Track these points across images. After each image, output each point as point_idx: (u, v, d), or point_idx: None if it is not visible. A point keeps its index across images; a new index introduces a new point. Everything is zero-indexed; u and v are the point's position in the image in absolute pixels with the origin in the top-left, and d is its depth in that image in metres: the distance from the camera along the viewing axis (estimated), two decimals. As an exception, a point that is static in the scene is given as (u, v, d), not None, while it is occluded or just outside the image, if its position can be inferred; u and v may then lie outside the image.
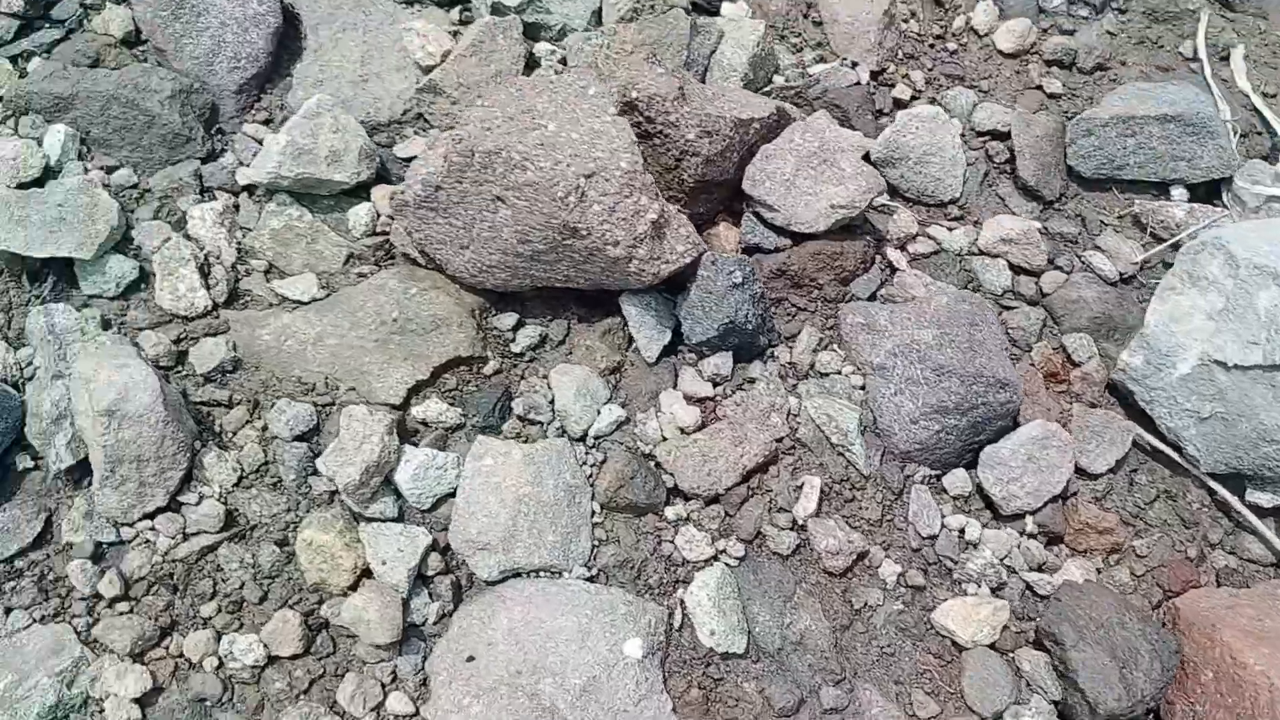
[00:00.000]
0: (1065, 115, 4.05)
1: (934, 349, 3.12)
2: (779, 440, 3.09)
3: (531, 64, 3.55)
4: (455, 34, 3.56)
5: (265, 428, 2.90)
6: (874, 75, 4.04)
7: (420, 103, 3.37)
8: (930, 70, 4.14)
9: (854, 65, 3.99)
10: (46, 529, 2.76)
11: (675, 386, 3.18)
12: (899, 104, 4.00)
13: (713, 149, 3.18)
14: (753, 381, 3.20)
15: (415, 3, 3.59)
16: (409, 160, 3.34)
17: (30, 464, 2.79)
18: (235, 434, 2.89)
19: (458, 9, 3.62)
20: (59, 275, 2.98)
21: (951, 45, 4.25)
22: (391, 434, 2.81)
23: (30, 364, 2.84)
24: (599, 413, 3.07)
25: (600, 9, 3.70)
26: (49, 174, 3.06)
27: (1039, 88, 4.16)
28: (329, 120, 3.10)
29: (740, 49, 3.62)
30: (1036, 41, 4.22)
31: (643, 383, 3.18)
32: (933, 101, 4.04)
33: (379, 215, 3.19)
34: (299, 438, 2.86)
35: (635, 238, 2.86)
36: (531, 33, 3.61)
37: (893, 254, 3.58)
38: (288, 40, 3.45)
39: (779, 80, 3.86)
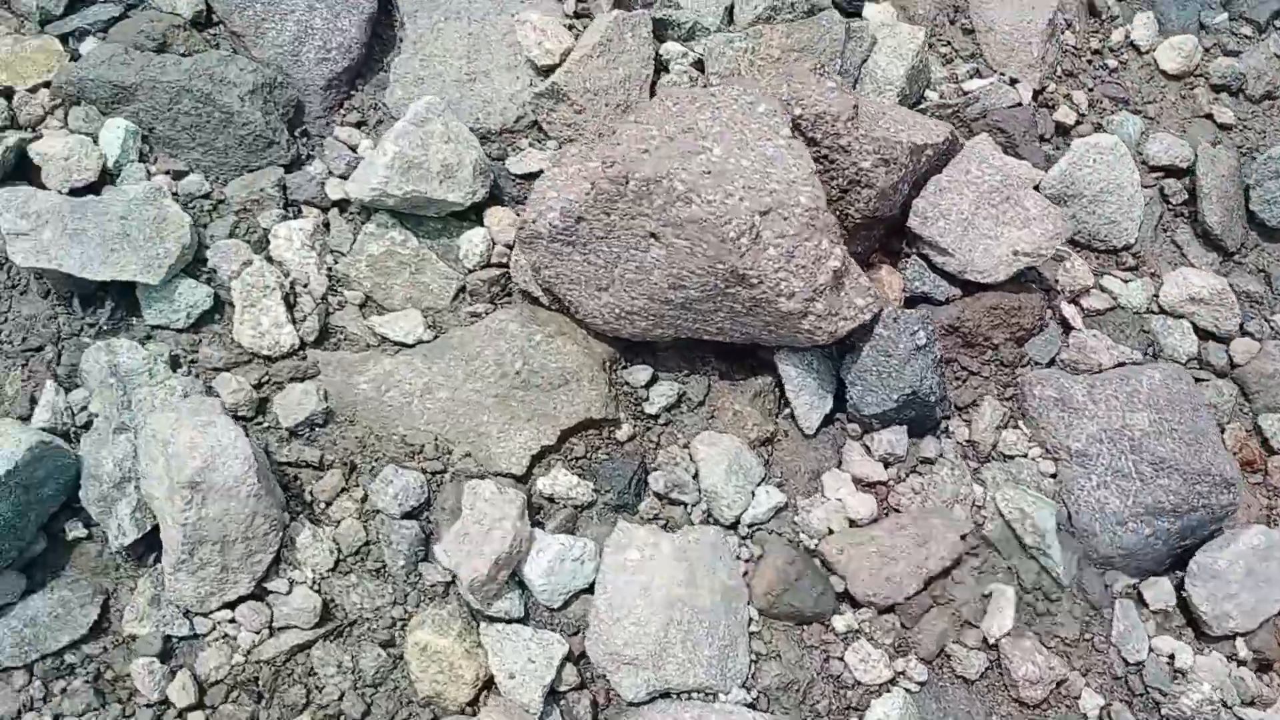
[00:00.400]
0: (1240, 150, 3.68)
1: (1151, 438, 2.75)
2: (963, 537, 2.71)
3: (659, 68, 3.14)
4: (570, 28, 3.15)
5: (365, 498, 2.49)
6: (1034, 94, 3.66)
7: (538, 109, 2.96)
8: (1092, 90, 3.77)
9: (1013, 82, 3.61)
10: (103, 615, 2.36)
11: (841, 466, 2.80)
12: (1060, 129, 3.63)
13: (888, 180, 2.81)
14: (929, 462, 2.82)
15: None
16: (523, 178, 2.94)
17: (83, 532, 2.37)
18: (329, 505, 2.48)
19: None
20: (117, 300, 2.56)
21: (1111, 62, 3.89)
22: (524, 518, 2.42)
23: (84, 409, 2.41)
24: (753, 495, 2.69)
25: (732, 6, 3.29)
26: (106, 177, 2.62)
27: (1209, 116, 3.80)
28: (440, 128, 2.68)
29: (897, 59, 3.23)
30: (1201, 62, 3.85)
31: (800, 458, 2.80)
32: (1098, 128, 3.68)
33: (494, 243, 2.77)
34: (408, 514, 2.45)
35: (815, 289, 2.47)
36: (658, 31, 3.20)
37: (1067, 309, 3.21)
38: (380, 29, 3.02)
39: (932, 96, 3.48)
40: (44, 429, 2.33)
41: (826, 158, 2.80)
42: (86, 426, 2.42)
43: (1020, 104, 3.62)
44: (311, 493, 2.48)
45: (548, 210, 2.59)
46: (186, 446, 2.18)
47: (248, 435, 2.29)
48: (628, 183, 2.43)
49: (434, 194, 2.66)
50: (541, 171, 2.96)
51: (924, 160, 2.97)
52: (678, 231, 2.44)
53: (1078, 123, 3.68)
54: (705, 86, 2.91)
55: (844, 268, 2.58)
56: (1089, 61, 3.92)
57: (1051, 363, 3.10)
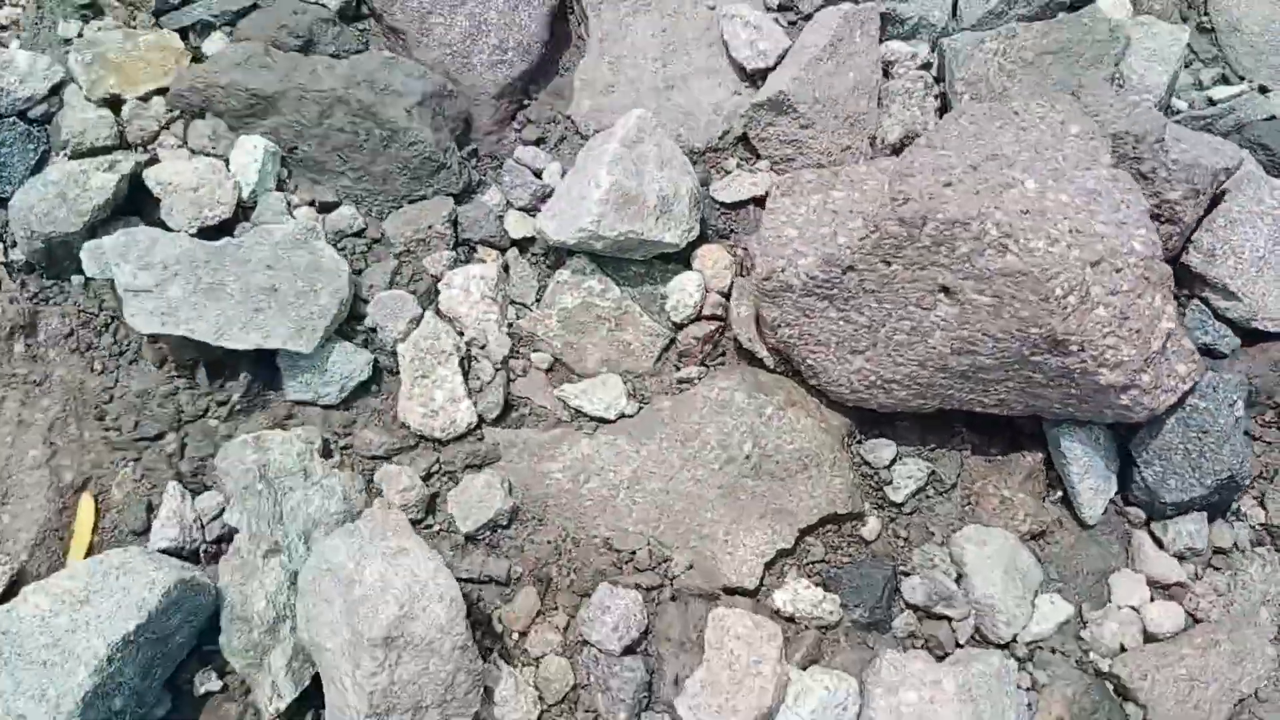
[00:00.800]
0: None
1: None
2: (1274, 640, 2.04)
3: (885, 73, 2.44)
4: (776, 21, 2.44)
5: (568, 625, 1.81)
6: (1286, 105, 2.94)
7: (752, 123, 2.25)
8: (1338, 101, 3.04)
9: (1263, 90, 2.89)
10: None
11: (1133, 564, 2.10)
12: (1310, 144, 2.88)
13: (1195, 214, 2.13)
14: (1223, 553, 2.15)
15: None
16: (731, 207, 2.24)
17: (216, 684, 1.69)
18: (524, 635, 1.80)
19: None
20: (253, 369, 1.87)
21: (1357, 67, 3.14)
22: (783, 659, 1.73)
23: (216, 517, 1.74)
24: (1034, 605, 1.99)
25: (957, 0, 2.58)
26: (239, 212, 1.93)
27: None
28: (653, 150, 2.00)
29: (1160, 64, 2.53)
30: None
31: (1082, 555, 2.13)
32: (1352, 144, 2.93)
33: (708, 292, 2.07)
34: (628, 649, 1.77)
35: (1146, 358, 1.78)
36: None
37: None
38: (558, 24, 2.32)
39: (1180, 105, 2.76)
40: (168, 550, 1.66)
41: (1123, 188, 2.09)
42: (218, 543, 1.74)
43: (1276, 116, 2.90)
44: (501, 619, 1.81)
45: (800, 258, 1.89)
46: (378, 587, 1.50)
47: (447, 564, 1.61)
48: (925, 225, 1.74)
49: (649, 234, 1.98)
50: (754, 201, 2.26)
51: (1217, 188, 2.26)
52: (982, 286, 1.75)
53: (1332, 138, 2.93)
54: (1000, 100, 2.20)
55: (1175, 329, 1.88)
56: (1328, 66, 3.19)
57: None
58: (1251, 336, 2.37)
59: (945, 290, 1.86)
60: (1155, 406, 1.96)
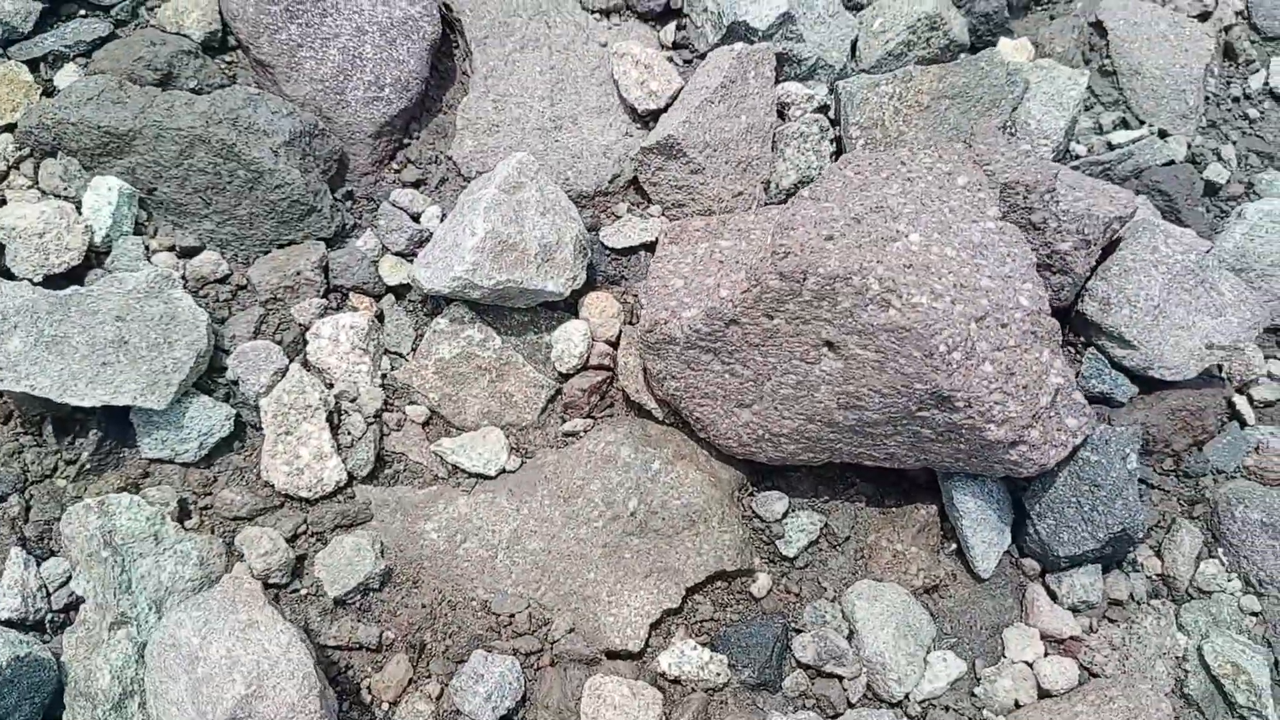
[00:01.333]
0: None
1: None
2: (1170, 694, 2.14)
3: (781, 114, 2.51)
4: (670, 60, 2.50)
5: (441, 694, 1.81)
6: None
7: (642, 167, 2.29)
8: (1236, 144, 3.23)
9: (1163, 135, 3.04)
10: None
11: (1026, 619, 2.17)
12: (1210, 188, 3.07)
13: (1087, 264, 2.23)
14: (1119, 604, 2.23)
15: (611, 13, 2.50)
16: (621, 253, 2.27)
17: None
18: (394, 705, 1.79)
19: (672, 25, 2.54)
20: (104, 426, 1.85)
21: (1252, 112, 3.34)
22: None
23: (63, 584, 1.70)
24: (926, 663, 2.04)
25: (856, 40, 2.67)
26: (92, 256, 1.91)
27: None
28: (535, 195, 2.02)
29: (1058, 109, 2.65)
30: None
31: (975, 610, 2.20)
32: (1249, 187, 3.14)
33: (595, 341, 2.10)
34: (505, 718, 1.78)
35: (1034, 413, 1.86)
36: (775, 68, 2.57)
37: (1238, 401, 2.65)
38: (440, 59, 2.33)
39: (1079, 149, 2.89)
40: (10, 621, 1.63)
41: (1013, 237, 2.18)
42: (66, 611, 1.70)
43: (1174, 161, 3.05)
44: (370, 689, 1.80)
45: (684, 310, 1.93)
46: (224, 665, 1.49)
47: (302, 637, 1.60)
48: (806, 279, 1.79)
49: (530, 282, 2.00)
50: (645, 246, 2.30)
51: (1110, 236, 2.37)
52: (865, 341, 1.81)
53: (1229, 181, 3.12)
54: (886, 149, 2.26)
55: (1064, 384, 1.95)
56: (1229, 111, 3.38)
57: (1236, 471, 2.52)
58: (1149, 384, 2.45)
59: (829, 345, 1.91)
60: (1044, 462, 2.03)
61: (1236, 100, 3.41)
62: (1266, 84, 3.36)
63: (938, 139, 2.36)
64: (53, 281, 1.89)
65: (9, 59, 2.11)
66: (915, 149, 2.07)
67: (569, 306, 2.21)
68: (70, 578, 1.75)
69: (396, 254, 2.15)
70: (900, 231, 1.91)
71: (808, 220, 1.91)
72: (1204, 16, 3.54)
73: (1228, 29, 3.52)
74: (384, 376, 2.07)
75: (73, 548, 1.73)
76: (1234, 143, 3.29)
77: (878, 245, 1.87)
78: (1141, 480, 2.56)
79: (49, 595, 1.75)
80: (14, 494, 1.80)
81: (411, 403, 2.09)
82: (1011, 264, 1.96)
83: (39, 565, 1.76)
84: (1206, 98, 3.30)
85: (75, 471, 1.85)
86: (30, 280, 1.85)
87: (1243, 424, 2.67)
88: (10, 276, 1.88)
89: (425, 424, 2.10)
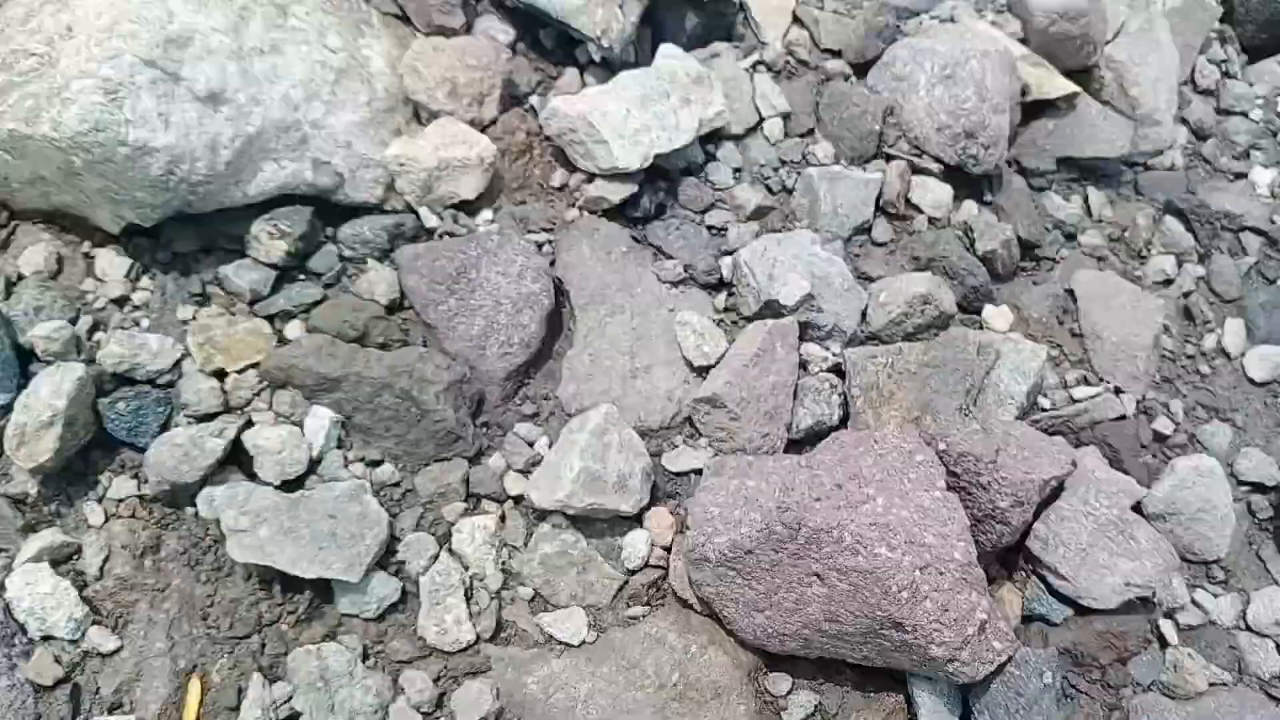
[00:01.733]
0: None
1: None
2: None
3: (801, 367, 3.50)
4: (719, 322, 3.50)
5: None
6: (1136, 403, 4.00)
7: (695, 411, 3.28)
8: (1186, 398, 4.12)
9: (1118, 391, 3.95)
10: None
11: (967, 791, 3.05)
12: (1158, 437, 3.95)
13: (1022, 518, 3.13)
14: (1040, 790, 3.08)
15: (679, 284, 3.53)
16: (678, 475, 3.25)
17: None
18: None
19: (724, 294, 3.57)
20: (314, 589, 2.83)
21: (1204, 368, 4.23)
22: None
23: (288, 701, 2.67)
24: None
25: (866, 308, 3.67)
26: (310, 465, 2.92)
27: (1293, 427, 4.12)
28: (616, 438, 3.00)
29: (1020, 376, 3.59)
30: (1289, 371, 4.19)
31: (929, 777, 3.05)
32: (1192, 437, 4.01)
33: (654, 546, 3.08)
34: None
35: (964, 639, 2.77)
36: (800, 332, 3.57)
37: (1164, 625, 3.51)
38: (553, 319, 3.36)
39: (1044, 403, 3.82)
40: (252, 727, 2.59)
41: (966, 490, 3.11)
42: None
43: (1125, 416, 3.95)
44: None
45: (716, 536, 2.89)
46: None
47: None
48: (800, 529, 2.75)
49: (608, 504, 2.97)
50: (695, 471, 3.28)
51: (1048, 490, 3.29)
52: (841, 576, 2.75)
53: (1174, 432, 3.99)
54: (868, 431, 3.24)
55: (989, 618, 2.89)
56: (1183, 367, 4.26)
57: (1152, 685, 3.36)
58: (1081, 609, 3.36)
59: (818, 576, 2.80)
60: (975, 675, 2.85)
61: (1191, 357, 4.32)
62: (1219, 343, 4.28)
63: (901, 424, 3.32)
64: (286, 484, 2.89)
65: (255, 315, 3.15)
66: (886, 432, 3.05)
67: (637, 518, 3.17)
68: (291, 698, 2.73)
69: (517, 471, 3.15)
70: (870, 495, 2.85)
71: (803, 484, 2.88)
72: (1168, 283, 4.49)
73: (1187, 294, 4.45)
74: (504, 564, 3.03)
75: (296, 676, 2.71)
76: (1184, 396, 4.16)
77: (853, 506, 2.81)
78: (1074, 686, 3.43)
79: (276, 709, 2.72)
80: (254, 633, 2.79)
81: (522, 585, 3.05)
82: (950, 526, 2.88)
83: (271, 686, 2.74)
84: (1163, 355, 4.22)
85: (293, 620, 2.83)
86: (272, 485, 2.86)
87: (1164, 645, 3.53)
88: (256, 479, 2.89)
89: (530, 601, 3.05)
